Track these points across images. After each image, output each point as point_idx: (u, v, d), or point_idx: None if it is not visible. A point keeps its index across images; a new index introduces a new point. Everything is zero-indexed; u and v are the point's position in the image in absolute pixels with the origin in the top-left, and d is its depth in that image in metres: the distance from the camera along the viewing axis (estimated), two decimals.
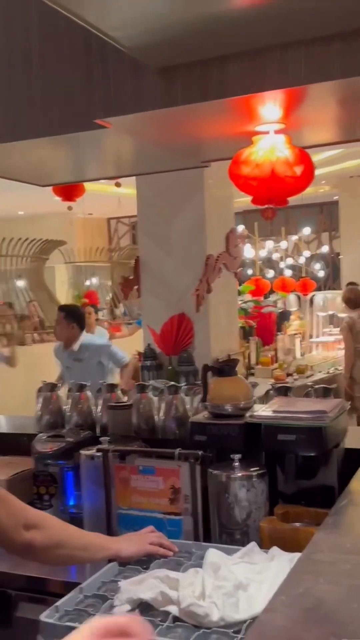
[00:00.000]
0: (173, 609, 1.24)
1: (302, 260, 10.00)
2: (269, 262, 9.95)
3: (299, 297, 8.06)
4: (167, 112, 1.69)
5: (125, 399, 2.29)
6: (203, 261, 4.77)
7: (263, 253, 9.23)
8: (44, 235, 9.70)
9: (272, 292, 7.41)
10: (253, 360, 5.94)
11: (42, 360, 7.23)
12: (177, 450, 1.73)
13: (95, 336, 4.96)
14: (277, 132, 1.90)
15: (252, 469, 1.67)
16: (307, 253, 10.57)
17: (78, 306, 5.25)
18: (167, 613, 1.24)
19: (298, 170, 1.91)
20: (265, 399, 2.11)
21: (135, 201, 5.21)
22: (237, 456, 1.67)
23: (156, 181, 4.69)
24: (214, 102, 1.63)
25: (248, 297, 6.86)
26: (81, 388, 2.35)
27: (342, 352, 6.87)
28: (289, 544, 1.47)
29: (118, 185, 5.57)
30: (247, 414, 1.78)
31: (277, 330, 6.67)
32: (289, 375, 5.65)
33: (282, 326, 6.89)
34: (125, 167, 2.69)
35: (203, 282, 4.75)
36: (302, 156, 1.94)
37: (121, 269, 10.43)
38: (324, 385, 2.00)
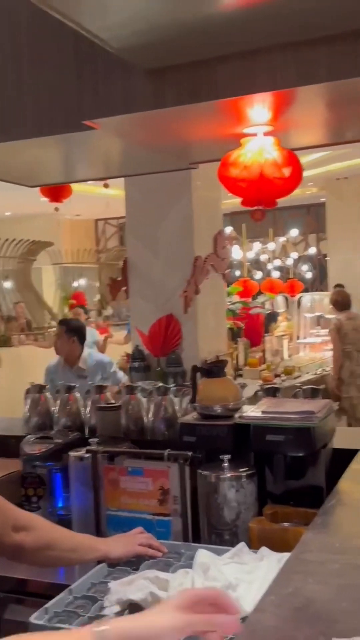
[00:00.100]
0: None
1: (289, 261, 10.04)
2: (256, 264, 9.99)
3: (286, 299, 8.09)
4: (155, 114, 1.69)
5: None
6: (191, 262, 4.77)
7: (251, 254, 9.26)
8: (31, 236, 9.66)
9: (260, 293, 7.44)
10: (241, 362, 5.96)
11: (29, 362, 7.21)
12: (167, 452, 1.73)
13: (98, 353, 4.80)
14: (265, 134, 1.90)
15: (241, 470, 1.68)
16: (294, 254, 10.62)
17: (79, 320, 5.07)
18: None
19: (286, 171, 1.92)
20: (254, 399, 2.12)
21: (123, 202, 5.21)
22: (227, 457, 1.67)
23: (144, 183, 4.69)
24: (202, 104, 1.63)
25: (236, 298, 6.87)
26: (69, 389, 2.35)
27: (330, 353, 6.92)
28: (278, 544, 1.48)
29: (106, 186, 5.56)
30: (236, 415, 1.79)
31: (265, 331, 6.69)
32: (276, 376, 5.67)
33: (269, 327, 6.91)
34: (113, 168, 2.69)
35: (191, 283, 4.76)
36: (291, 158, 1.95)
37: (109, 270, 10.41)
38: (312, 386, 2.01)
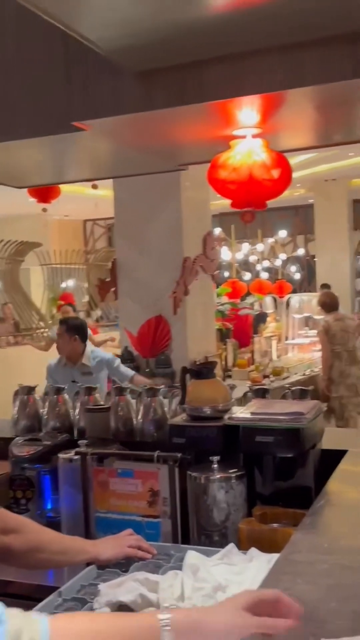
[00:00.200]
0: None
1: (278, 262, 10.07)
2: (245, 265, 10.01)
3: (275, 300, 8.12)
4: (145, 116, 1.70)
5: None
6: (180, 263, 4.78)
7: (239, 255, 9.28)
8: (18, 236, 9.62)
9: (248, 294, 7.46)
10: (230, 363, 5.97)
11: (18, 363, 7.18)
12: (156, 453, 1.73)
13: (99, 350, 4.72)
14: (254, 136, 1.91)
15: (230, 471, 1.68)
16: (283, 256, 10.66)
17: (79, 318, 4.99)
18: None
19: (275, 173, 1.94)
20: (243, 401, 2.13)
21: (111, 203, 5.21)
22: (216, 458, 1.68)
23: (133, 184, 4.70)
24: (192, 106, 1.64)
25: (224, 299, 6.89)
26: (58, 391, 2.34)
27: (318, 354, 6.95)
28: (267, 545, 1.48)
29: (95, 187, 5.55)
30: (226, 416, 1.79)
31: (254, 332, 6.71)
32: (265, 377, 5.69)
33: (258, 328, 6.93)
34: (102, 169, 2.69)
35: (180, 284, 4.77)
36: (279, 160, 1.96)
37: (97, 271, 10.38)
38: (301, 387, 2.02)
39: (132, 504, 1.77)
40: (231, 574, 1.35)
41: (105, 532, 1.72)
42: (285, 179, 1.96)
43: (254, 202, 1.89)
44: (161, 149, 2.20)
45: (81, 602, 1.34)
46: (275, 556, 1.32)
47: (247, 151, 1.91)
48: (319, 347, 7.04)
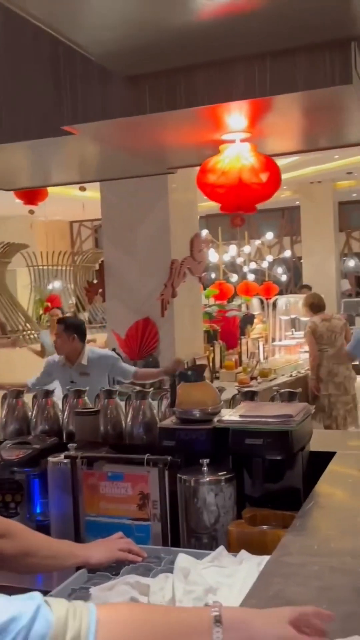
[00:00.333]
0: None
1: (265, 264, 10.11)
2: (232, 266, 10.04)
3: (262, 301, 8.15)
4: (134, 120, 1.70)
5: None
6: (168, 266, 4.80)
7: (226, 257, 9.31)
8: (5, 238, 9.56)
9: (235, 296, 7.48)
10: (217, 364, 5.99)
11: (5, 366, 7.13)
12: (147, 456, 1.73)
13: (100, 349, 4.64)
14: (242, 140, 1.93)
15: (220, 474, 1.69)
16: (269, 257, 10.71)
17: (77, 317, 4.90)
18: None
19: (264, 177, 1.95)
20: (232, 403, 2.14)
21: (98, 204, 5.21)
22: (206, 461, 1.68)
23: (120, 186, 4.70)
24: (181, 110, 1.65)
25: (212, 301, 6.91)
26: (47, 394, 2.34)
27: (305, 355, 7.00)
28: (257, 547, 1.49)
29: (83, 189, 5.54)
30: (215, 419, 1.80)
31: (241, 334, 6.73)
32: (252, 378, 5.71)
33: (245, 330, 6.95)
34: (90, 172, 2.69)
35: (168, 286, 4.79)
36: (268, 163, 1.97)
37: (85, 272, 10.35)
38: (290, 390, 2.03)
39: (122, 507, 1.77)
40: (222, 576, 1.36)
41: (95, 536, 1.72)
42: (274, 183, 1.98)
43: (243, 206, 1.90)
44: (150, 153, 2.20)
45: None
46: (265, 558, 1.33)
47: (235, 155, 1.92)
48: (305, 348, 7.09)
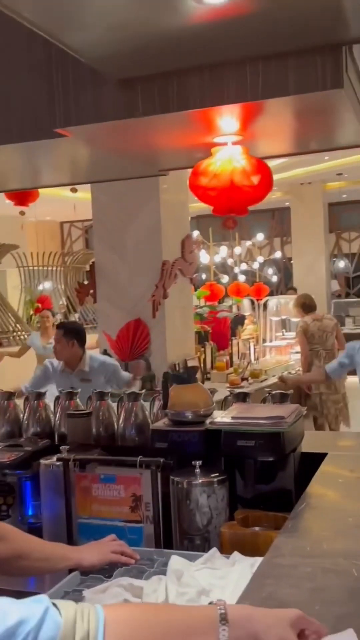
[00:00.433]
0: None
1: (255, 265, 10.14)
2: (223, 267, 10.06)
3: (252, 302, 8.17)
4: (127, 123, 1.71)
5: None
6: (159, 267, 4.80)
7: (217, 258, 9.33)
8: None
9: (226, 296, 7.50)
10: (208, 365, 6.00)
11: None
12: (139, 458, 1.74)
13: (100, 354, 4.57)
14: (234, 143, 1.93)
15: (212, 475, 1.69)
16: (260, 258, 10.74)
17: (77, 322, 4.81)
18: None
19: (255, 179, 1.96)
20: (223, 404, 2.15)
21: (89, 205, 5.20)
22: (198, 463, 1.69)
23: (111, 186, 4.70)
24: (173, 113, 1.65)
25: (203, 302, 6.92)
26: (39, 396, 2.33)
27: (295, 356, 7.04)
28: (249, 548, 1.50)
29: (74, 190, 5.53)
30: (207, 421, 1.81)
31: (232, 335, 6.75)
32: (243, 379, 5.72)
33: (236, 331, 6.97)
34: (82, 174, 2.69)
35: (159, 287, 4.79)
36: (260, 166, 1.98)
37: (75, 273, 10.33)
38: (281, 391, 2.04)
39: (114, 509, 1.77)
40: (214, 578, 1.37)
41: (87, 538, 1.72)
42: (266, 185, 1.99)
43: (235, 209, 1.91)
44: (142, 155, 2.20)
45: None
46: (258, 560, 1.34)
47: (227, 158, 1.93)
48: (296, 349, 7.12)
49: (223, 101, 1.62)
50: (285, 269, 13.52)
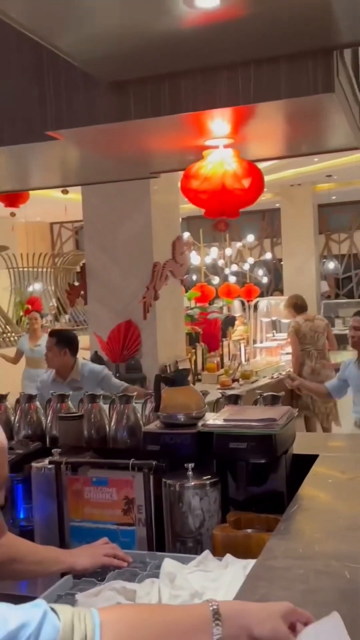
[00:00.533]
0: None
1: (246, 266, 10.16)
2: (213, 269, 10.07)
3: (243, 303, 8.18)
4: (119, 126, 1.71)
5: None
6: (150, 268, 4.80)
7: (208, 259, 9.34)
8: None
9: (217, 298, 7.51)
10: (199, 366, 6.00)
11: None
12: (132, 461, 1.74)
13: (89, 362, 4.51)
14: (226, 146, 1.94)
15: (205, 478, 1.70)
16: (250, 259, 10.76)
17: (70, 331, 4.72)
18: None
19: (246, 183, 1.97)
20: (215, 406, 2.15)
21: (79, 205, 5.19)
22: (191, 465, 1.69)
23: (102, 188, 4.69)
24: (165, 117, 1.66)
25: (193, 303, 6.92)
26: (30, 399, 2.33)
27: (286, 357, 7.07)
28: (241, 551, 1.51)
29: (65, 192, 5.51)
30: (200, 423, 1.81)
31: (222, 336, 6.75)
32: (234, 380, 5.73)
33: (227, 332, 6.98)
34: (74, 177, 2.69)
35: (150, 289, 4.79)
36: (251, 169, 1.99)
37: (65, 274, 10.31)
38: (273, 393, 2.05)
39: (107, 512, 1.77)
40: (207, 580, 1.37)
41: (80, 542, 1.72)
42: (257, 188, 2.00)
43: (226, 212, 1.92)
44: (134, 158, 2.21)
45: None
46: (250, 562, 1.34)
47: (218, 161, 1.93)
48: (286, 350, 7.15)
49: (215, 105, 1.63)
50: (275, 270, 13.56)
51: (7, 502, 2.02)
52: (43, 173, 2.53)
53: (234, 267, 9.84)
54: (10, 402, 2.41)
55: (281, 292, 11.25)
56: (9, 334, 8.76)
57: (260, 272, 12.31)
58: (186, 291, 6.27)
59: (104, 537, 1.61)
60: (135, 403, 2.17)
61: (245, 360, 6.48)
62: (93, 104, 1.67)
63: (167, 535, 1.72)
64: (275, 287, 12.72)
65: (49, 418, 2.27)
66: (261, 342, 7.79)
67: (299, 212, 11.69)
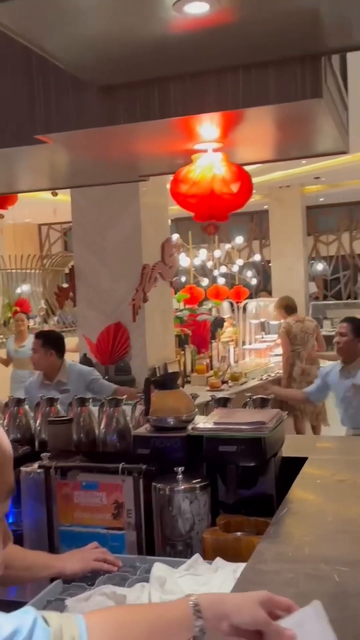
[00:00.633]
0: None
1: (235, 268, 10.18)
2: (202, 270, 10.08)
3: (232, 305, 8.20)
4: (108, 130, 1.71)
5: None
6: (139, 270, 4.80)
7: (197, 261, 9.34)
8: None
9: (205, 299, 7.51)
10: (189, 368, 6.00)
11: None
12: (121, 465, 1.74)
13: (78, 364, 4.47)
14: (215, 150, 1.95)
15: (194, 481, 1.70)
16: (239, 261, 10.78)
17: (56, 332, 4.68)
18: None
19: (235, 187, 1.97)
20: (205, 409, 2.16)
21: (67, 207, 5.17)
22: (181, 469, 1.69)
23: (91, 190, 4.69)
24: (154, 121, 1.66)
25: (182, 305, 6.92)
26: (19, 402, 2.32)
27: (275, 359, 7.10)
28: (231, 554, 1.51)
29: (55, 194, 5.49)
30: (189, 427, 1.81)
31: (212, 337, 6.76)
32: (224, 382, 5.74)
33: (216, 334, 6.99)
34: (62, 180, 2.68)
35: (139, 291, 4.78)
36: (240, 173, 2.00)
37: (54, 276, 10.28)
38: (262, 396, 2.06)
39: (96, 516, 1.77)
40: (197, 584, 1.37)
41: (69, 546, 1.72)
42: (245, 192, 2.00)
43: (215, 215, 1.92)
44: (123, 162, 2.21)
45: None
46: (240, 566, 1.35)
47: (207, 165, 1.94)
48: (275, 351, 7.18)
49: (204, 109, 1.63)
50: (264, 271, 13.59)
51: None
52: (32, 176, 2.52)
53: (223, 269, 9.85)
54: None
55: (269, 293, 11.28)
56: None
57: (249, 273, 12.33)
58: (175, 293, 6.27)
59: (94, 542, 1.61)
60: (126, 405, 2.17)
61: (235, 362, 6.49)
62: (82, 107, 1.67)
63: (157, 539, 1.72)
64: (263, 287, 12.75)
65: (37, 422, 2.26)
66: (250, 343, 7.80)
67: (288, 213, 11.74)
